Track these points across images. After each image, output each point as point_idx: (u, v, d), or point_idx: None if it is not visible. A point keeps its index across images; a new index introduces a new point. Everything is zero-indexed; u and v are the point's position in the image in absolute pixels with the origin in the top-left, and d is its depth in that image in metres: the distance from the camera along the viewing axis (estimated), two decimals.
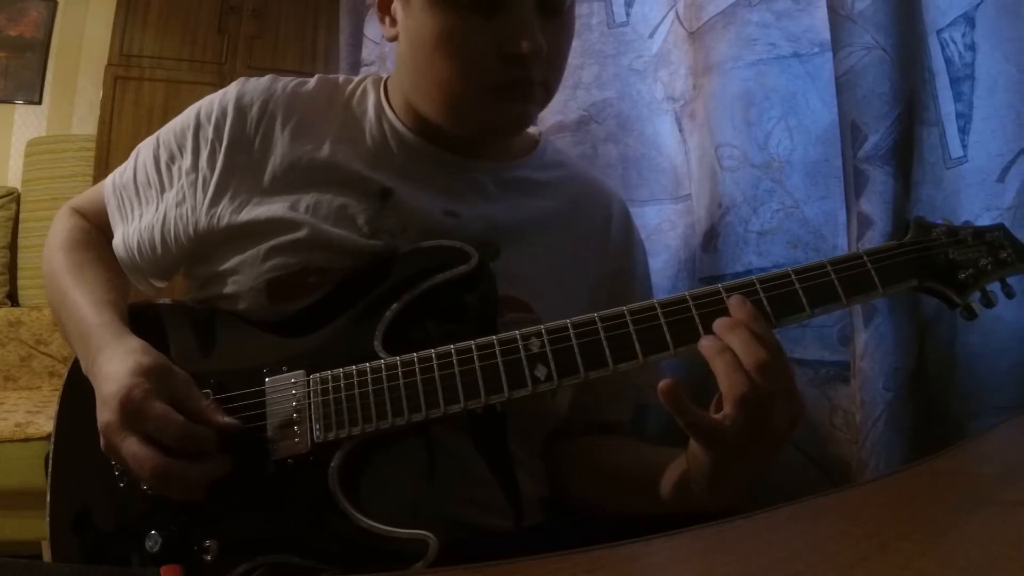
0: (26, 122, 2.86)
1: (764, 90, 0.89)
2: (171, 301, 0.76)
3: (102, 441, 0.60)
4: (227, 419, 0.61)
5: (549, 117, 1.16)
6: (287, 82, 0.76)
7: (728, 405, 0.53)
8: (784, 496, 0.82)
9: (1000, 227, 0.64)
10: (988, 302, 0.61)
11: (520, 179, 0.79)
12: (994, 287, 0.62)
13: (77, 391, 0.69)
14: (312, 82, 0.78)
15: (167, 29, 2.82)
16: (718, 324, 0.56)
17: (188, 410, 0.60)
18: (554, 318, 0.61)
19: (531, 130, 0.85)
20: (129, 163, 0.79)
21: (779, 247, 0.89)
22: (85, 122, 2.85)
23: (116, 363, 0.61)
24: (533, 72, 0.67)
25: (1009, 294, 0.62)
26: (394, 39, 0.73)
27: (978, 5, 0.73)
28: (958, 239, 0.62)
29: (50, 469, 0.69)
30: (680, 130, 1.04)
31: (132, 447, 0.58)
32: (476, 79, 0.67)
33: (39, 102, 2.88)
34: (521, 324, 0.63)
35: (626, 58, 1.10)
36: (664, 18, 1.06)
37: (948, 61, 0.75)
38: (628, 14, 1.10)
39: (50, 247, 0.79)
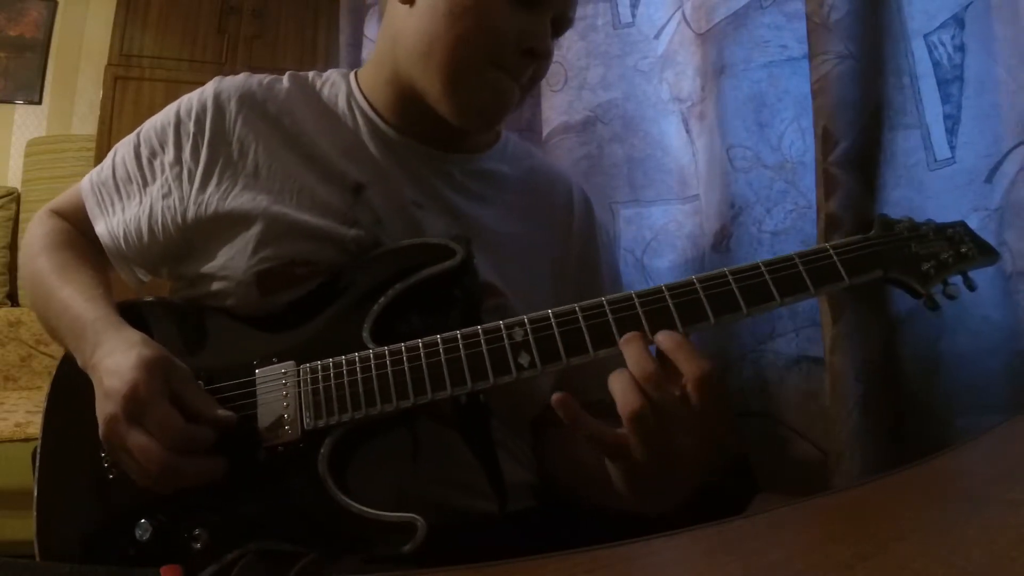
0: (26, 122, 2.86)
1: (776, 92, 0.89)
2: (157, 298, 0.76)
3: (104, 432, 0.60)
4: (225, 413, 0.62)
5: (555, 118, 1.16)
6: (262, 78, 0.79)
7: (623, 421, 0.54)
8: (798, 484, 0.83)
9: (961, 224, 0.67)
10: (950, 294, 0.64)
11: (485, 170, 0.82)
12: (956, 281, 0.65)
13: (66, 387, 0.69)
14: (285, 79, 0.80)
15: (167, 29, 2.82)
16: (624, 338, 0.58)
17: (187, 403, 0.61)
18: (522, 301, 0.65)
19: None
20: (107, 162, 0.80)
21: (793, 247, 0.89)
22: (85, 122, 2.85)
23: (117, 356, 0.62)
24: (530, 72, 0.74)
25: (970, 287, 0.65)
26: (408, 1, 0.74)
27: (967, 6, 0.74)
28: (920, 234, 0.66)
29: (38, 464, 0.69)
30: (687, 131, 1.04)
31: (140, 439, 0.58)
32: (488, 54, 0.71)
33: (39, 102, 2.88)
34: (496, 309, 0.67)
35: (632, 59, 1.10)
36: (670, 19, 1.06)
37: (936, 64, 0.76)
38: (634, 15, 1.10)
39: (30, 250, 0.79)
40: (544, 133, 1.18)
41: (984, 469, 0.56)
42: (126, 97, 2.74)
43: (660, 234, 1.06)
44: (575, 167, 1.12)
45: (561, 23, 0.75)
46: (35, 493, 0.68)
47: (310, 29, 2.98)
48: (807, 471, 0.83)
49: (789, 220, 0.89)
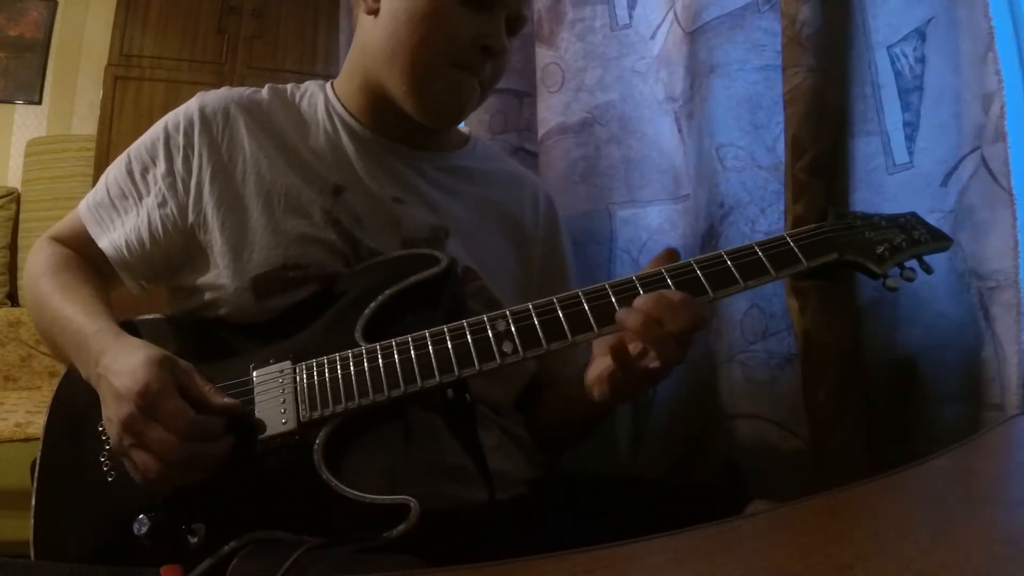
0: (26, 122, 2.86)
1: (772, 95, 0.90)
2: (155, 316, 0.79)
3: (118, 432, 0.62)
4: (229, 400, 0.65)
5: (551, 119, 1.16)
6: (243, 90, 0.84)
7: (660, 368, 0.64)
8: (791, 483, 0.84)
9: (912, 214, 0.71)
10: (908, 277, 0.67)
11: (457, 166, 0.89)
12: (913, 265, 0.67)
13: (68, 398, 0.72)
14: (264, 90, 0.85)
15: (167, 29, 2.82)
16: (621, 316, 0.63)
17: (193, 395, 0.63)
18: (494, 284, 0.75)
19: (463, 129, 0.96)
20: (100, 184, 0.83)
21: None
22: (85, 122, 2.84)
23: (124, 359, 0.63)
24: (488, 68, 0.80)
25: (927, 270, 0.68)
26: (373, 12, 0.80)
27: (930, 20, 0.77)
28: (872, 222, 0.70)
29: (37, 473, 0.70)
30: (679, 130, 1.04)
31: (159, 432, 0.60)
32: (447, 55, 0.77)
33: (39, 102, 2.87)
34: (478, 292, 0.77)
35: (629, 60, 1.10)
36: (664, 18, 1.06)
37: (898, 74, 0.80)
38: (631, 16, 1.10)
39: (33, 274, 0.81)
40: (540, 134, 1.18)
41: (984, 469, 0.56)
42: (126, 97, 2.74)
43: (656, 234, 1.06)
44: (572, 168, 1.12)
45: (516, 22, 0.81)
46: (33, 502, 0.69)
47: (310, 29, 2.97)
48: (800, 470, 0.84)
49: (783, 220, 0.89)
